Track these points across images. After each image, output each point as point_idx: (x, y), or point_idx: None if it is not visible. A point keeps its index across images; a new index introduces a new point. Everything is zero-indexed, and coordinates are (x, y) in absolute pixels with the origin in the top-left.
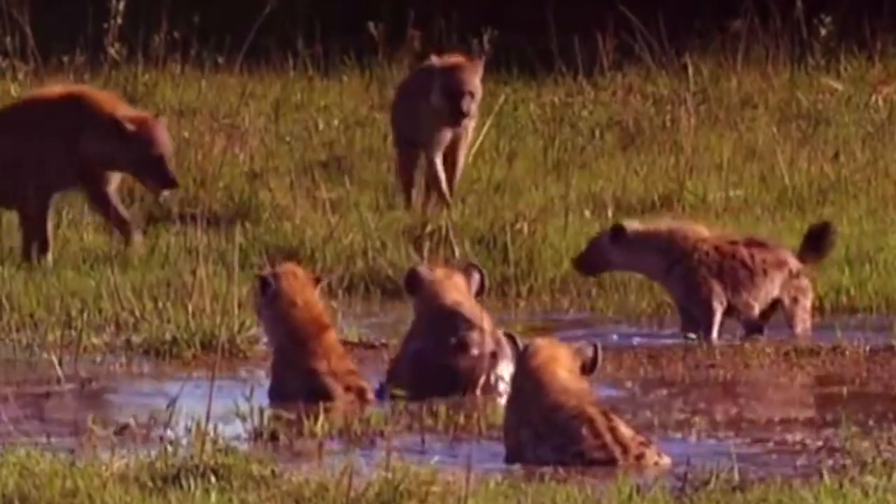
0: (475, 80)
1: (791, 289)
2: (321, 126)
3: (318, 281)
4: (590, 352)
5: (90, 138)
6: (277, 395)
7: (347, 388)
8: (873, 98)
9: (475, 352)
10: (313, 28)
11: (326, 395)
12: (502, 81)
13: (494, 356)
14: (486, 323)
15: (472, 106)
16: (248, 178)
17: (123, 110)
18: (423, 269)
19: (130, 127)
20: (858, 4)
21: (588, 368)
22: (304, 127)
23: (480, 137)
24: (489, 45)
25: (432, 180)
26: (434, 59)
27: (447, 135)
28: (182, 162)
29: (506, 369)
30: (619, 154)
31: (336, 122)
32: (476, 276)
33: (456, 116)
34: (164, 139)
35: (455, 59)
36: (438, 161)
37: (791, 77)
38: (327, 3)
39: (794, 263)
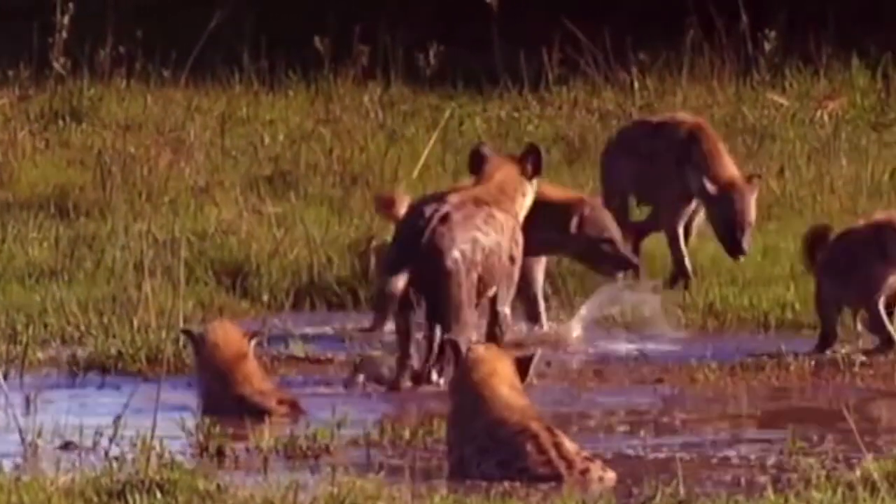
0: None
1: None
2: (267, 140)
3: (253, 336)
4: (528, 359)
5: None
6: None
7: (280, 402)
8: (818, 113)
9: None
10: (259, 42)
11: (259, 413)
12: (448, 96)
13: None
14: None
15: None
16: (194, 192)
17: None
18: (486, 149)
19: None
20: (803, 19)
21: (523, 375)
22: (250, 141)
23: (426, 152)
24: (435, 61)
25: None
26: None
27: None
28: (127, 177)
29: None
30: (564, 169)
31: (282, 136)
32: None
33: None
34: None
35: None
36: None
37: (736, 92)
38: (273, 18)
39: None
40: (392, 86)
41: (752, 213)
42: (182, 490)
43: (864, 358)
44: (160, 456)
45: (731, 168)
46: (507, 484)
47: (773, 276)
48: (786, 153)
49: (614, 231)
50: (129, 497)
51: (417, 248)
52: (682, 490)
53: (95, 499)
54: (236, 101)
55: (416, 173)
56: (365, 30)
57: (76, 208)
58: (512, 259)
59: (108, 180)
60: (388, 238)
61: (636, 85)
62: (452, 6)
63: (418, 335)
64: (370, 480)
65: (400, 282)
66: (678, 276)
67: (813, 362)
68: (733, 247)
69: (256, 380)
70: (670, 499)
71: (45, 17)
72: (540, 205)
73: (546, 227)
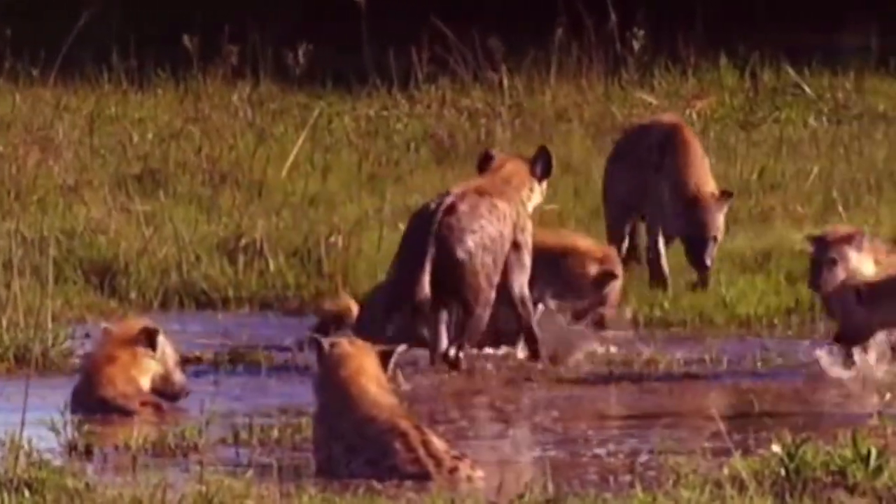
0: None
1: None
2: (136, 139)
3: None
4: (390, 352)
5: None
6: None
7: (143, 405)
8: (687, 112)
9: None
10: (128, 41)
11: (123, 415)
12: (317, 95)
13: None
14: None
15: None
16: (63, 191)
17: None
18: (495, 151)
19: None
20: (671, 19)
21: (384, 369)
22: (119, 140)
23: (295, 150)
24: (304, 59)
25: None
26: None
27: None
28: None
29: None
30: (433, 167)
31: (150, 135)
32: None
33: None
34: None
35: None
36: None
37: (605, 91)
38: (142, 16)
39: None
40: (261, 84)
41: (715, 227)
42: (50, 489)
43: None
44: (28, 455)
45: (700, 178)
46: (375, 483)
47: (644, 272)
48: None
49: None
50: None
51: (428, 242)
52: (550, 488)
53: None
54: (105, 100)
55: (284, 172)
56: (233, 28)
57: None
58: (517, 245)
59: None
60: (257, 237)
61: (505, 83)
62: (321, 5)
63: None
64: (239, 479)
65: (425, 286)
66: (656, 278)
67: (682, 361)
68: (695, 261)
69: (121, 382)
70: (539, 497)
71: None
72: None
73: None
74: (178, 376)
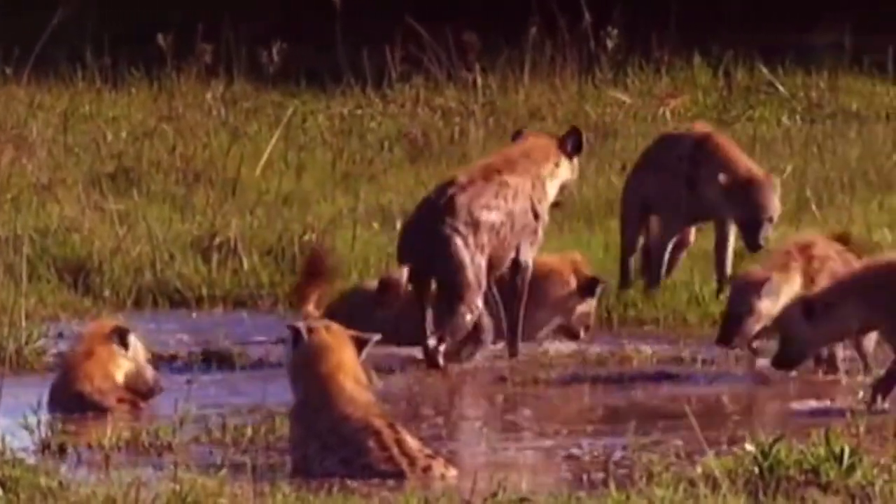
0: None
1: None
2: (109, 138)
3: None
4: (365, 340)
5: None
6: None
7: (120, 401)
8: (660, 111)
9: None
10: (102, 40)
11: (99, 411)
12: (291, 94)
13: None
14: None
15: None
16: (37, 189)
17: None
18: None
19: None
20: (645, 18)
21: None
22: (93, 138)
23: (269, 149)
24: (278, 58)
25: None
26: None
27: None
28: None
29: None
30: (407, 166)
31: (124, 133)
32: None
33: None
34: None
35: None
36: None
37: (579, 89)
38: (116, 15)
39: None
40: (235, 83)
41: (772, 208)
42: (24, 487)
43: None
44: (2, 453)
45: (746, 163)
46: (349, 481)
47: (615, 272)
48: (628, 150)
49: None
50: None
51: (422, 237)
52: (524, 487)
53: None
54: (79, 98)
55: (258, 170)
56: (208, 27)
57: None
58: (535, 215)
59: None
60: (231, 236)
61: (479, 82)
62: (295, 4)
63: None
64: (212, 477)
65: (404, 273)
66: (650, 280)
67: (656, 360)
68: (750, 242)
69: (98, 378)
70: (512, 495)
71: None
72: None
73: None
74: (149, 373)
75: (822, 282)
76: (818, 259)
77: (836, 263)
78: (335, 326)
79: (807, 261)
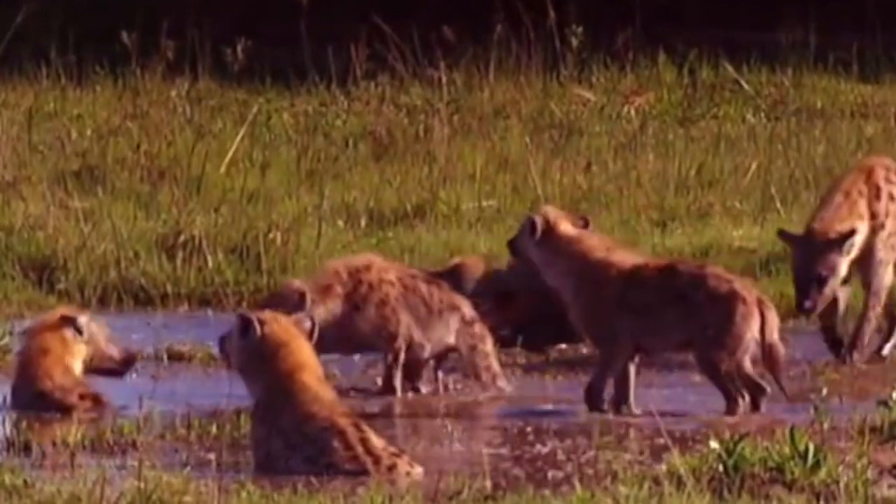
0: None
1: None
2: (74, 135)
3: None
4: (307, 324)
5: None
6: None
7: (82, 398)
8: (625, 108)
9: None
10: (66, 37)
11: (62, 409)
12: (256, 91)
13: None
14: None
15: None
16: (1, 187)
17: None
18: None
19: None
20: (609, 15)
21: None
22: (57, 136)
23: (233, 147)
24: (242, 56)
25: None
26: None
27: None
28: None
29: None
30: (372, 164)
31: (89, 131)
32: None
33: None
34: None
35: None
36: None
37: (543, 87)
38: (81, 13)
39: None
40: (199, 81)
41: (818, 267)
42: None
43: None
44: None
45: (820, 219)
46: (314, 479)
47: None
48: (593, 148)
49: None
50: None
51: None
52: (488, 485)
53: None
54: (43, 96)
55: (223, 168)
56: (172, 24)
57: None
58: None
59: None
60: (195, 234)
61: (444, 80)
62: (260, 1)
63: None
64: (177, 475)
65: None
66: None
67: None
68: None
69: (58, 375)
70: (477, 494)
71: None
72: None
73: None
74: (113, 349)
75: None
76: None
77: None
78: (283, 318)
79: None
